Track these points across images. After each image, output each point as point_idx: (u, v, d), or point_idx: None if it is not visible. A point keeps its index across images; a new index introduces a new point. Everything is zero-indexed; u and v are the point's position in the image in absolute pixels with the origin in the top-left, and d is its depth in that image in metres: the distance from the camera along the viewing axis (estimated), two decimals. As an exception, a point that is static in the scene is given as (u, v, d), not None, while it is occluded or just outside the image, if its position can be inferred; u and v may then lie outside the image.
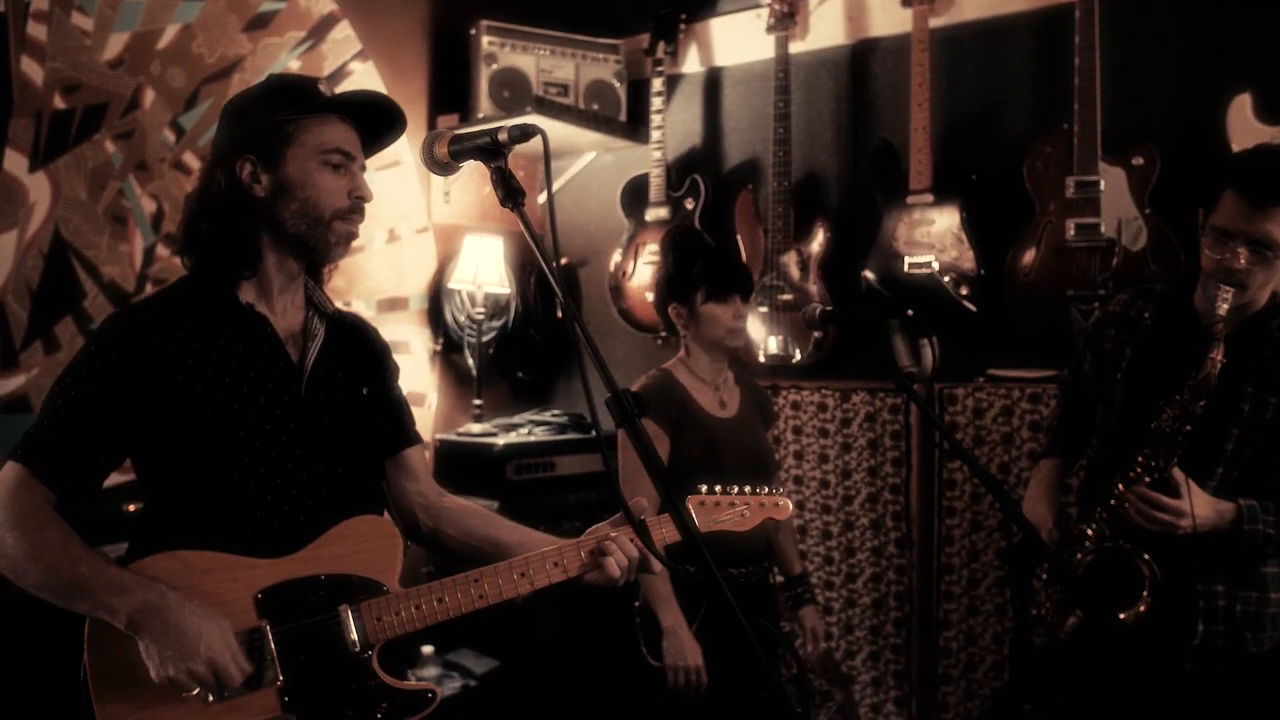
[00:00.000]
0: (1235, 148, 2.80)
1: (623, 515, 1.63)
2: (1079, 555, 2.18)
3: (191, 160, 3.26)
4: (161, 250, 3.20)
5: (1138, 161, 2.95)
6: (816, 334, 3.50)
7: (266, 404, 1.62)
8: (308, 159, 1.63)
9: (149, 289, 3.15)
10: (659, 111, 3.85)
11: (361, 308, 3.72)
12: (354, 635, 1.59)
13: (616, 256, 4.00)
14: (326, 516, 1.64)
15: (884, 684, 3.30)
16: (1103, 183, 2.96)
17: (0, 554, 1.48)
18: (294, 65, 3.51)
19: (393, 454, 1.86)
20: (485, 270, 3.73)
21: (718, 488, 1.82)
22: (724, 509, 1.81)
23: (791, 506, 1.84)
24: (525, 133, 1.36)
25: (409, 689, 1.64)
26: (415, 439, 1.91)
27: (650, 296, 3.87)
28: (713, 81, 3.96)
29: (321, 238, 1.64)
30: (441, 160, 1.49)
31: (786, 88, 3.55)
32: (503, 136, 1.37)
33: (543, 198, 4.33)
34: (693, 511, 1.79)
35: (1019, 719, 2.13)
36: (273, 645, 1.54)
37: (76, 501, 1.56)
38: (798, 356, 3.54)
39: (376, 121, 1.72)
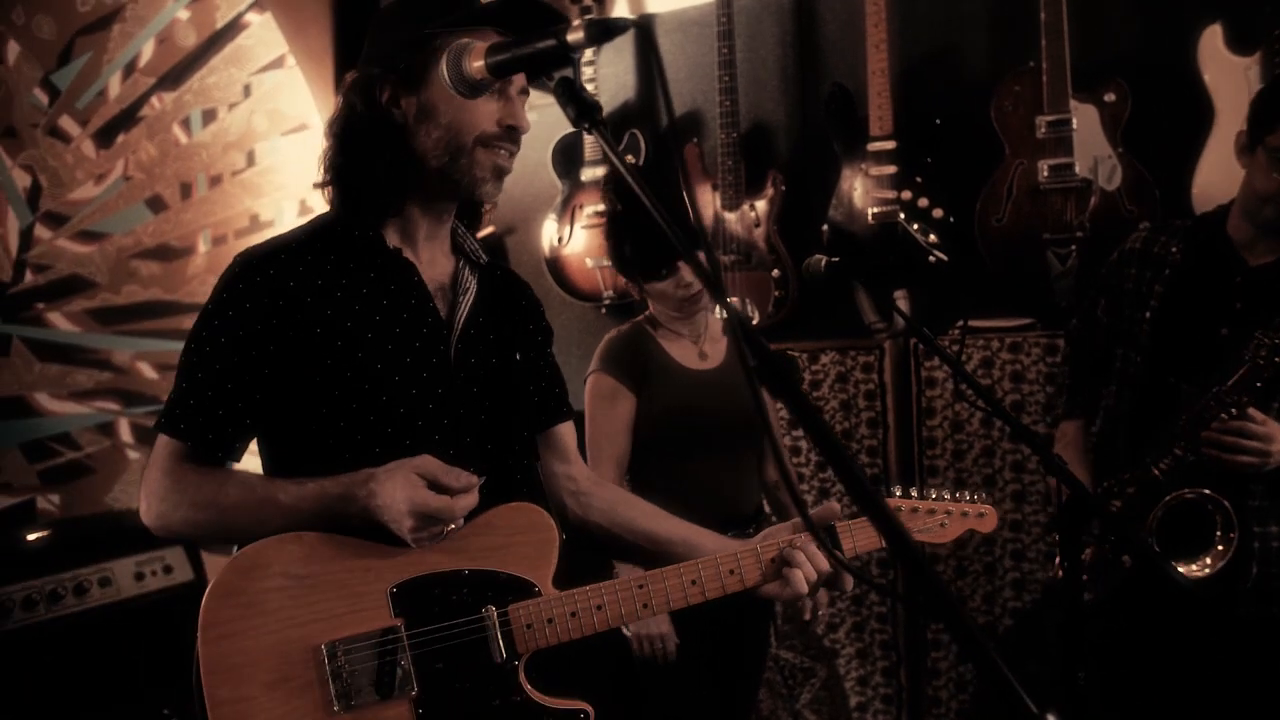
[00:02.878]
0: (1207, 80, 2.73)
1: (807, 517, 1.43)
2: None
3: (70, 125, 2.81)
4: (42, 231, 2.74)
5: (1109, 98, 2.85)
6: (777, 293, 3.32)
7: (413, 365, 1.44)
8: None
9: (30, 278, 2.70)
10: (589, 63, 3.58)
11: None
12: (500, 644, 1.40)
13: (550, 221, 3.71)
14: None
15: (870, 655, 3.16)
16: (1075, 121, 2.86)
17: (193, 533, 1.46)
18: (183, 16, 3.08)
19: (543, 429, 1.67)
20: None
21: (913, 491, 1.61)
22: (921, 516, 1.60)
23: (997, 515, 1.61)
24: (611, 27, 1.07)
25: (560, 708, 1.44)
26: (569, 413, 1.71)
27: (590, 263, 3.63)
28: (644, 29, 3.70)
29: (465, 171, 1.44)
30: (474, 79, 1.19)
31: (730, 32, 3.33)
32: (574, 37, 1.07)
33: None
34: None
35: (1072, 686, 2.02)
36: (409, 651, 1.36)
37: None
38: (756, 318, 3.35)
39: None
